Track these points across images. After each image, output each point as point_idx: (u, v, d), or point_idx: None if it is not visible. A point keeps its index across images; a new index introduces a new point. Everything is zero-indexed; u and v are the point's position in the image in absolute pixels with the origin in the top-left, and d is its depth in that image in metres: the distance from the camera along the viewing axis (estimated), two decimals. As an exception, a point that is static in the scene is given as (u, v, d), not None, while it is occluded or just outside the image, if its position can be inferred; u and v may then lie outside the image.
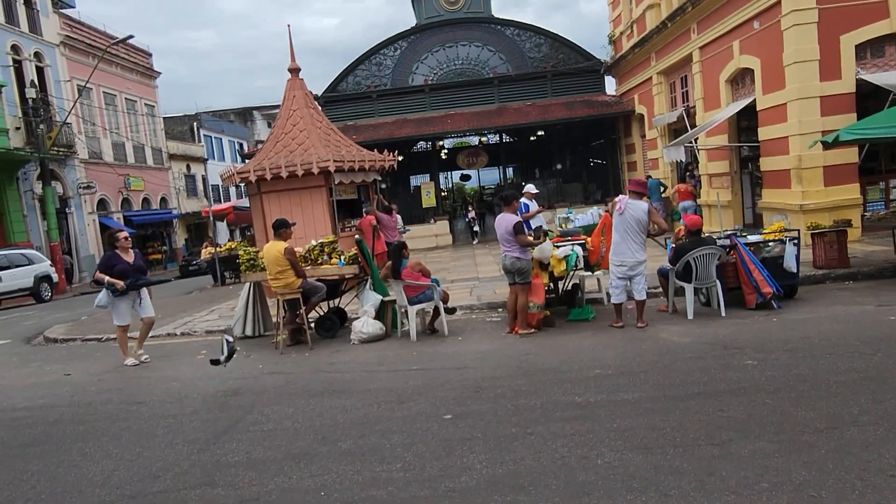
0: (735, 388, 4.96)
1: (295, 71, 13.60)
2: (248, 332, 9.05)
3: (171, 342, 9.42)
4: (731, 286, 7.97)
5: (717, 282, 7.68)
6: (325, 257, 8.63)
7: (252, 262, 8.61)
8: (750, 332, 6.65)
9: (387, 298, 8.33)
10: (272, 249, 7.93)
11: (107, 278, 7.73)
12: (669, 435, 4.15)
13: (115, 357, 8.53)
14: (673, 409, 4.59)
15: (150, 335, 9.87)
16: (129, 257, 8.00)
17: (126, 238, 8.15)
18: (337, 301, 9.16)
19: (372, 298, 8.27)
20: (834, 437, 3.92)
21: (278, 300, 8.11)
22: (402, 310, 8.09)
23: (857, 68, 11.67)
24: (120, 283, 7.72)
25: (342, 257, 8.50)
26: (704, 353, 6.05)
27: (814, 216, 11.16)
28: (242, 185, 13.82)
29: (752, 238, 8.42)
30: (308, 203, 12.69)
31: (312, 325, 8.63)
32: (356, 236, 8.92)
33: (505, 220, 7.44)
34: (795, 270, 8.03)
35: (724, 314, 7.53)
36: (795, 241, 8.09)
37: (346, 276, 8.59)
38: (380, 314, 8.32)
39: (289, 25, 13.72)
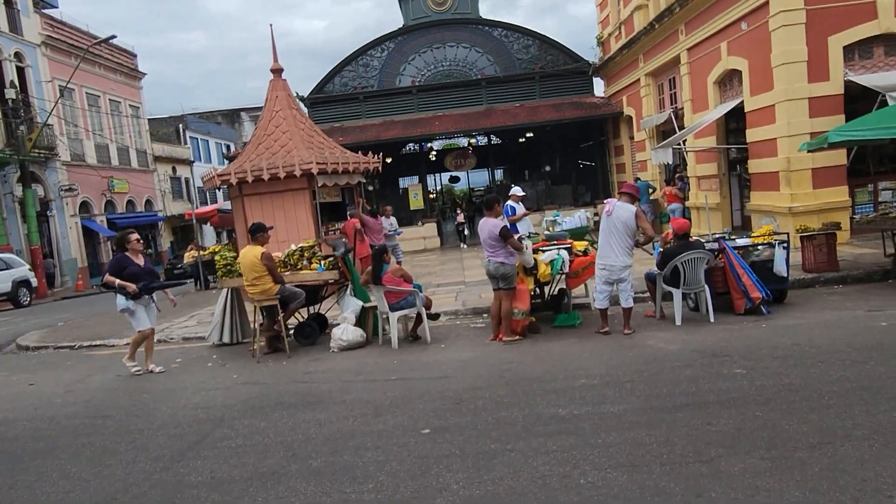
0: (724, 398, 4.78)
1: (277, 71, 13.36)
2: (226, 339, 8.77)
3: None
4: (720, 291, 7.81)
5: (706, 287, 7.51)
6: (305, 262, 8.39)
7: (229, 267, 8.35)
8: (739, 339, 6.48)
9: (368, 304, 8.10)
10: (248, 255, 7.68)
11: (118, 281, 7.29)
12: (655, 451, 3.96)
13: (86, 366, 8.27)
14: (659, 423, 4.39)
15: (124, 342, 9.63)
16: (140, 260, 7.57)
17: (138, 240, 7.69)
18: (317, 307, 8.92)
19: (352, 304, 8.04)
20: (827, 454, 3.73)
21: (255, 306, 7.86)
22: (384, 316, 7.87)
23: (845, 70, 11.56)
24: (132, 287, 7.27)
25: (322, 262, 8.26)
26: (692, 361, 5.86)
27: (802, 219, 11.04)
28: (224, 187, 13.55)
29: (741, 242, 8.26)
30: (291, 206, 12.45)
31: (291, 332, 8.39)
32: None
33: (488, 225, 7.23)
34: (785, 275, 7.88)
35: (712, 320, 7.36)
36: (785, 245, 7.94)
37: (328, 282, 8.34)
38: (361, 321, 8.10)
39: (271, 25, 13.61)
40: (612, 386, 5.31)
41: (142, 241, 7.84)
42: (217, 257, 8.50)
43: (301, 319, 8.68)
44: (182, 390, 6.52)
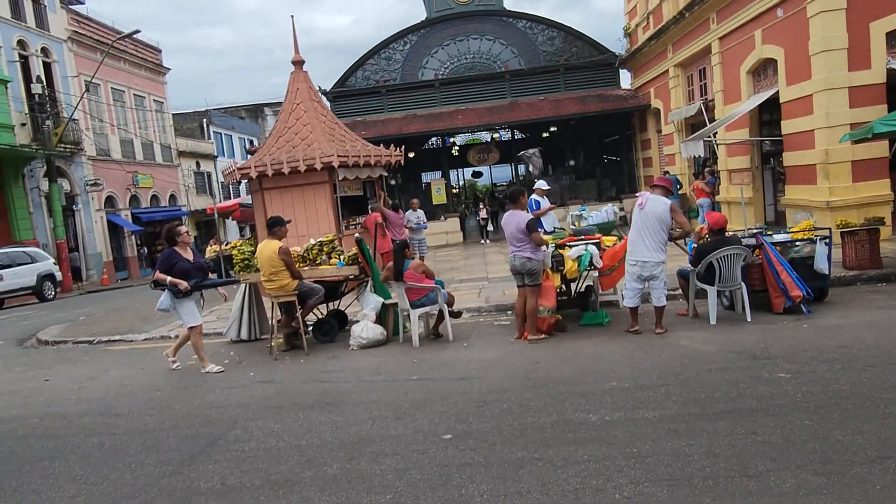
0: (768, 405, 4.44)
1: (299, 63, 13.14)
2: (244, 335, 8.58)
3: (164, 345, 8.93)
4: (757, 289, 7.43)
5: (743, 284, 7.13)
6: (325, 257, 8.17)
7: (247, 262, 8.16)
8: (779, 340, 6.11)
9: (388, 301, 7.84)
10: (266, 249, 7.46)
11: (169, 279, 6.85)
12: (697, 463, 3.64)
13: (103, 361, 8.15)
14: (700, 432, 4.07)
15: (143, 338, 9.53)
16: (189, 255, 7.23)
17: (187, 233, 7.33)
18: (337, 303, 8.70)
19: (372, 301, 7.79)
20: (890, 469, 3.39)
21: (273, 302, 7.66)
22: (405, 313, 7.61)
23: (887, 57, 11.03)
24: (184, 284, 6.83)
25: (342, 257, 8.03)
26: (731, 363, 5.51)
27: (841, 213, 10.58)
28: (245, 181, 13.41)
29: (779, 237, 7.86)
30: (311, 200, 12.23)
31: (310, 328, 8.18)
32: (356, 235, 8.44)
33: (515, 218, 6.93)
34: (827, 272, 7.47)
35: (749, 319, 6.98)
36: (827, 241, 7.53)
37: (348, 278, 8.11)
38: (381, 318, 7.85)
39: (292, 16, 13.43)
40: (646, 390, 4.99)
41: (190, 234, 7.46)
42: (235, 252, 8.29)
43: (320, 316, 8.47)
44: (197, 388, 6.34)
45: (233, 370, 7.06)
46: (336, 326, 8.17)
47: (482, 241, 20.30)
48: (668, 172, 18.35)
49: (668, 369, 5.49)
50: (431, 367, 6.39)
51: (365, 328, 7.48)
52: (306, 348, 7.51)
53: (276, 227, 7.57)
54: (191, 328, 7.11)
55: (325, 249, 8.22)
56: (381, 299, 7.85)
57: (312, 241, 8.36)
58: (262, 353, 7.77)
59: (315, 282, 7.86)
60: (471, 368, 6.14)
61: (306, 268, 8.02)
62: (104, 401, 6.19)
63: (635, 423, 4.33)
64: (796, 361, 5.36)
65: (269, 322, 8.16)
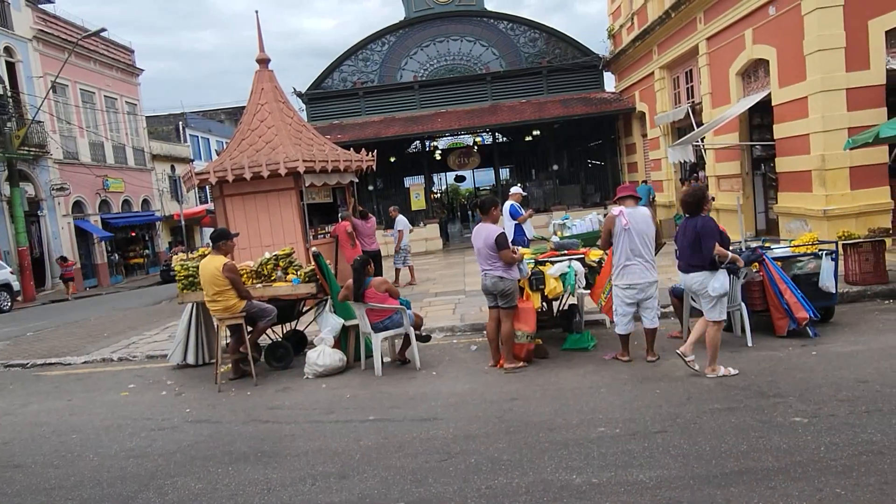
0: (788, 464, 3.68)
1: (263, 62, 12.31)
2: (190, 360, 7.71)
3: (101, 370, 8.06)
4: (757, 309, 6.71)
5: (742, 305, 6.42)
6: (280, 273, 7.34)
7: (192, 278, 7.29)
8: (788, 372, 5.38)
9: (349, 322, 7.03)
10: (209, 266, 6.59)
11: (730, 254, 5.63)
12: (707, 552, 2.88)
13: (28, 391, 7.25)
14: (708, 503, 3.31)
15: (82, 361, 8.65)
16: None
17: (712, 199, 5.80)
18: (294, 323, 7.87)
19: (331, 322, 6.95)
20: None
21: (218, 325, 6.82)
22: (367, 336, 6.78)
23: (887, 57, 10.42)
24: (741, 260, 5.83)
25: (298, 273, 7.21)
26: (736, 401, 4.76)
27: (839, 223, 9.95)
28: (206, 187, 12.54)
29: (780, 251, 7.16)
30: (276, 207, 11.40)
31: (264, 350, 7.34)
32: (313, 249, 7.61)
33: (485, 232, 6.12)
34: (834, 290, 6.77)
35: (750, 344, 6.27)
36: (833, 256, 6.83)
37: (303, 297, 7.29)
38: (342, 341, 7.05)
39: (257, 12, 12.42)
40: (640, 438, 4.22)
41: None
42: (177, 266, 7.39)
43: (277, 339, 7.63)
44: (120, 429, 5.47)
45: (169, 404, 6.20)
46: (291, 351, 7.31)
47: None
48: (646, 181, 17.73)
49: (663, 410, 4.73)
50: (393, 403, 5.58)
51: (321, 354, 6.65)
52: (255, 377, 6.66)
53: (220, 240, 6.71)
54: (717, 322, 5.65)
55: (280, 264, 7.39)
56: (342, 321, 7.03)
57: (267, 255, 7.53)
58: (206, 382, 6.90)
59: (268, 301, 7.04)
60: (437, 406, 5.34)
61: (259, 285, 7.20)
62: (9, 446, 5.30)
63: (628, 488, 3.55)
64: (811, 401, 4.62)
65: (224, 342, 7.26)
